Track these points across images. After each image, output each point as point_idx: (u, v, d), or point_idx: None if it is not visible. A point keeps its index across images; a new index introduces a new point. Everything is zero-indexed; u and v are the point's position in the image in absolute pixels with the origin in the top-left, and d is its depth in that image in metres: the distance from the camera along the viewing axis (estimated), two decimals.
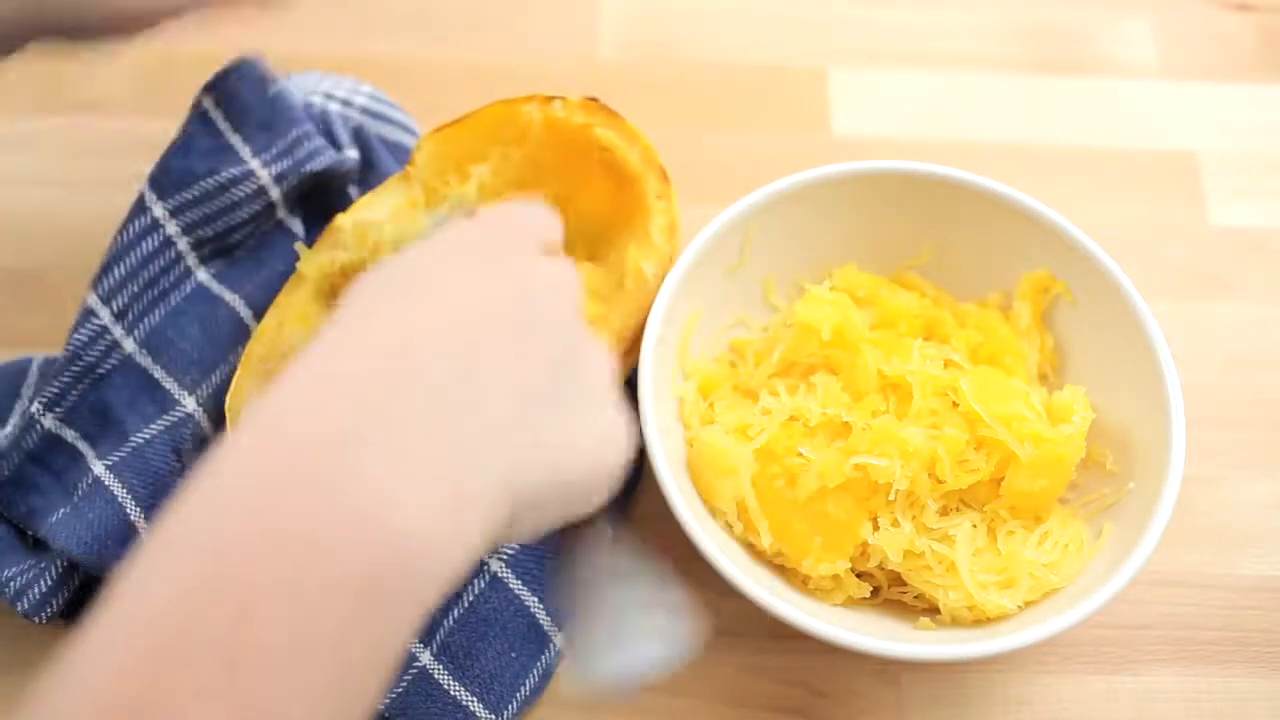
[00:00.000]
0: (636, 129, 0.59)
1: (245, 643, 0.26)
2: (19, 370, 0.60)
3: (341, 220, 0.57)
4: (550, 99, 0.59)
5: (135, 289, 0.56)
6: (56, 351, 0.60)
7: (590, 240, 0.61)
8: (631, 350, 0.56)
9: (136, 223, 0.56)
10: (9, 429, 0.57)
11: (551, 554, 0.57)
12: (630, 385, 0.56)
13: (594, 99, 0.60)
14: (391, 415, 0.30)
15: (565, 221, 0.61)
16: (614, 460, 0.38)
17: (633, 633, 0.36)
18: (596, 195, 0.60)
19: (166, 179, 0.58)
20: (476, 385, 0.33)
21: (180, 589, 0.27)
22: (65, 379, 0.55)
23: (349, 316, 0.34)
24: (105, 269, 0.56)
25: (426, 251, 0.37)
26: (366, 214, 0.57)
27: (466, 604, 0.55)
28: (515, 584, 0.56)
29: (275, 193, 0.59)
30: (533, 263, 0.39)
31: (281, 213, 0.60)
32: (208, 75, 0.69)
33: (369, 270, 0.37)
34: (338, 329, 0.33)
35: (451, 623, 0.55)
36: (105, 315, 0.55)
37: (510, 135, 0.59)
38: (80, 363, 0.55)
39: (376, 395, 0.31)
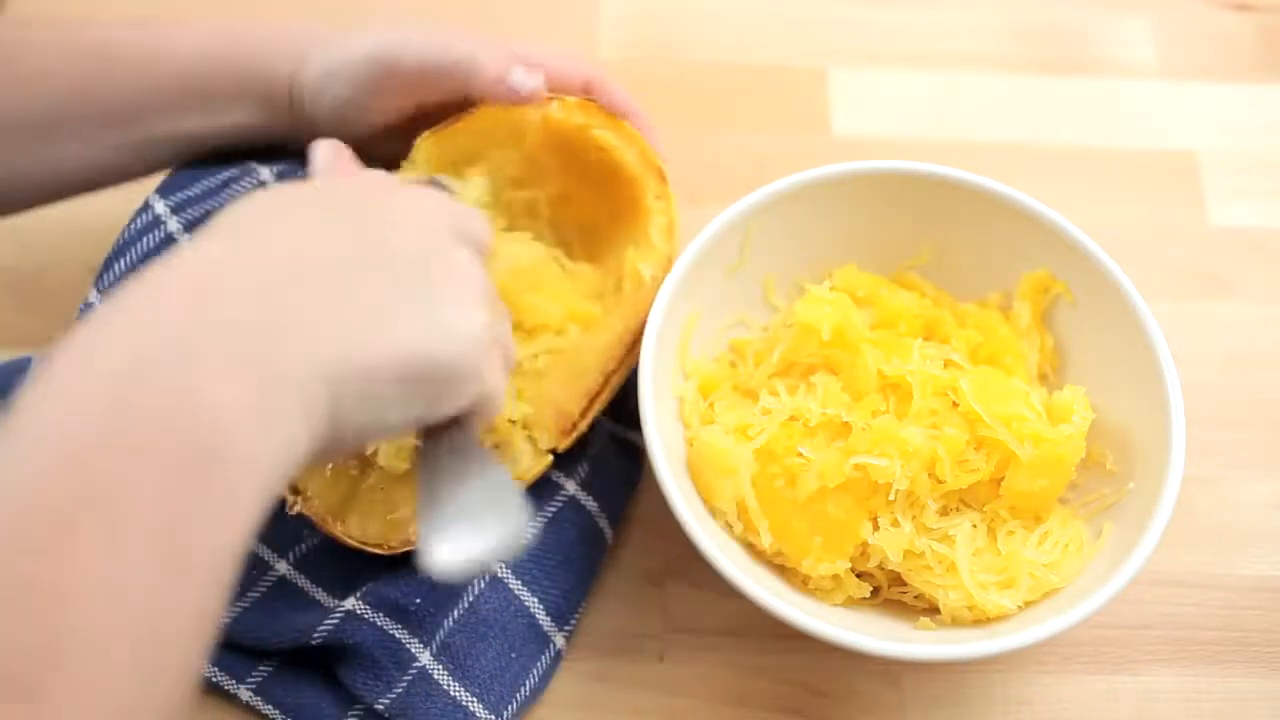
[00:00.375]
0: (635, 130, 0.59)
1: (67, 551, 0.27)
2: (18, 369, 0.60)
3: None
4: (549, 99, 0.59)
5: None
6: None
7: (588, 241, 0.61)
8: (631, 351, 0.56)
9: (139, 219, 0.56)
10: None
11: (550, 555, 0.57)
12: (630, 384, 0.56)
13: (591, 99, 0.60)
14: (198, 323, 0.32)
15: (563, 222, 0.61)
16: (453, 352, 0.38)
17: (476, 512, 0.37)
18: (594, 197, 0.60)
19: (169, 176, 0.58)
20: (293, 291, 0.34)
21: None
22: None
23: (162, 261, 0.34)
24: (107, 265, 0.56)
25: (269, 195, 0.38)
26: None
27: (466, 604, 0.55)
28: (515, 584, 0.56)
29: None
30: (389, 197, 0.40)
31: None
32: None
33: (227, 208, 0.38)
34: (144, 274, 0.34)
35: (451, 623, 0.55)
36: None
37: (507, 136, 0.59)
38: None
39: (186, 305, 0.32)
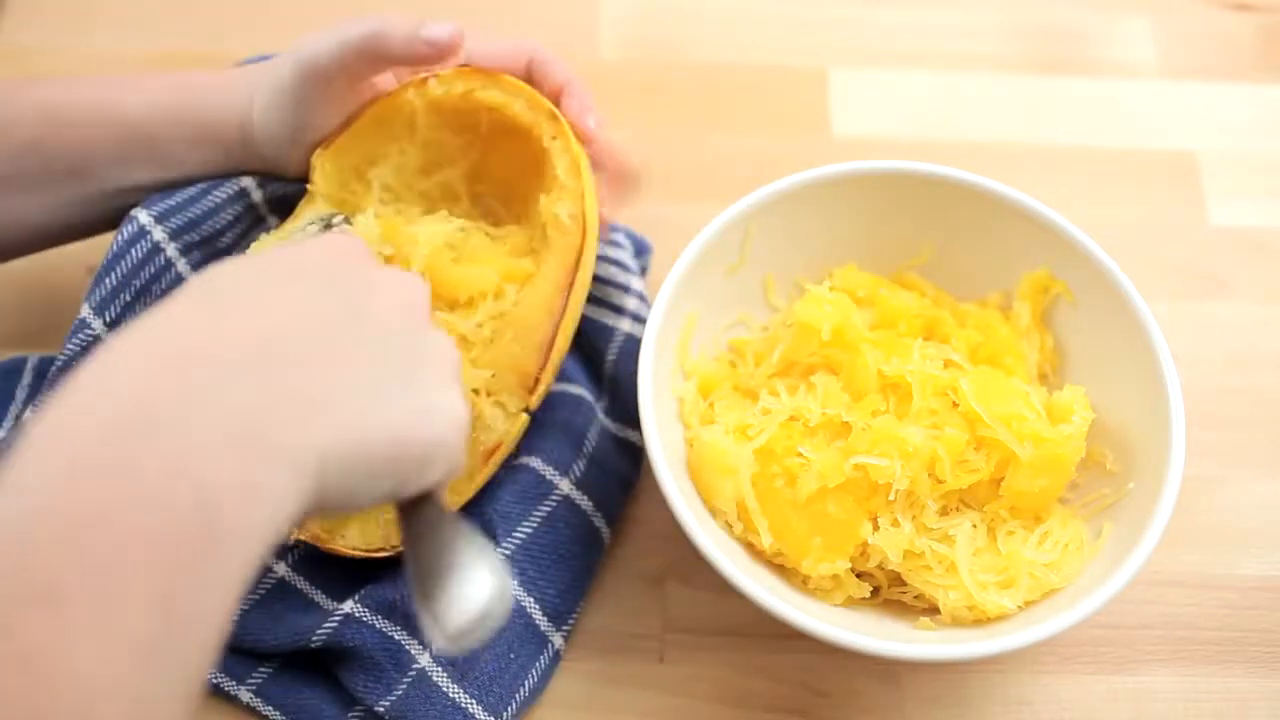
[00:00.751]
0: (518, 81, 0.58)
1: (58, 620, 0.27)
2: (13, 369, 0.60)
3: (255, 247, 0.57)
4: (425, 79, 0.58)
5: (128, 298, 0.56)
6: (55, 350, 0.60)
7: (512, 203, 0.61)
8: (573, 293, 0.55)
9: (125, 231, 0.56)
10: (2, 433, 0.57)
11: (545, 555, 0.57)
12: (630, 384, 0.56)
13: (466, 65, 0.59)
14: (193, 396, 0.32)
15: (485, 195, 0.61)
16: (438, 434, 0.38)
17: (466, 569, 0.37)
18: (501, 158, 0.60)
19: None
20: (287, 364, 0.35)
21: None
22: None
23: (142, 325, 0.34)
24: (97, 280, 0.56)
25: (243, 264, 0.38)
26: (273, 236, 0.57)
27: None
28: (513, 585, 0.56)
29: (258, 195, 0.59)
30: (365, 272, 0.40)
31: (264, 211, 0.60)
32: None
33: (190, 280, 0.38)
34: (125, 336, 0.34)
35: None
36: (98, 325, 0.55)
37: (399, 129, 0.59)
38: (72, 373, 0.55)
39: (179, 375, 0.32)
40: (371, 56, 0.54)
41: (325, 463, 0.34)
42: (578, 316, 0.56)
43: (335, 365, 0.36)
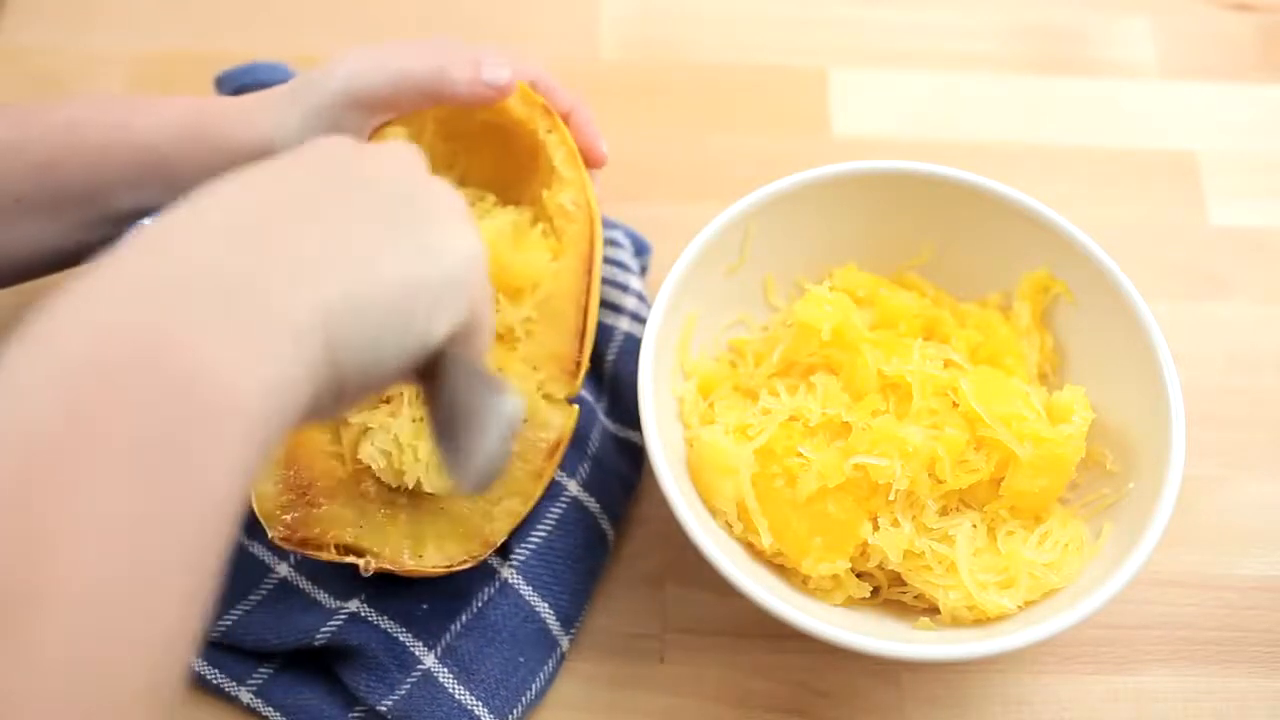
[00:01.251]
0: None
1: (49, 493, 0.27)
2: None
3: None
4: None
5: None
6: None
7: (509, 195, 0.62)
8: (590, 277, 0.56)
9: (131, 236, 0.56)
10: None
11: (558, 559, 0.57)
12: (630, 385, 0.56)
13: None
14: (169, 272, 0.31)
15: (486, 192, 0.61)
16: (449, 271, 0.38)
17: (483, 405, 0.37)
18: (493, 159, 0.61)
19: None
20: (270, 227, 0.34)
21: None
22: None
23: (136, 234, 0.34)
24: None
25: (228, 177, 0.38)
26: None
27: (475, 610, 0.55)
28: (525, 589, 0.56)
29: None
30: (353, 146, 0.40)
31: None
32: (206, 76, 0.69)
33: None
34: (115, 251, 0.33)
35: (459, 627, 0.55)
36: None
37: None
38: None
39: (155, 254, 0.32)
40: (434, 95, 0.56)
41: (331, 321, 0.33)
42: (598, 302, 0.57)
43: (326, 224, 0.35)
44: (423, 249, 0.37)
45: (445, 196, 0.40)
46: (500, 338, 0.56)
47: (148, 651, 0.28)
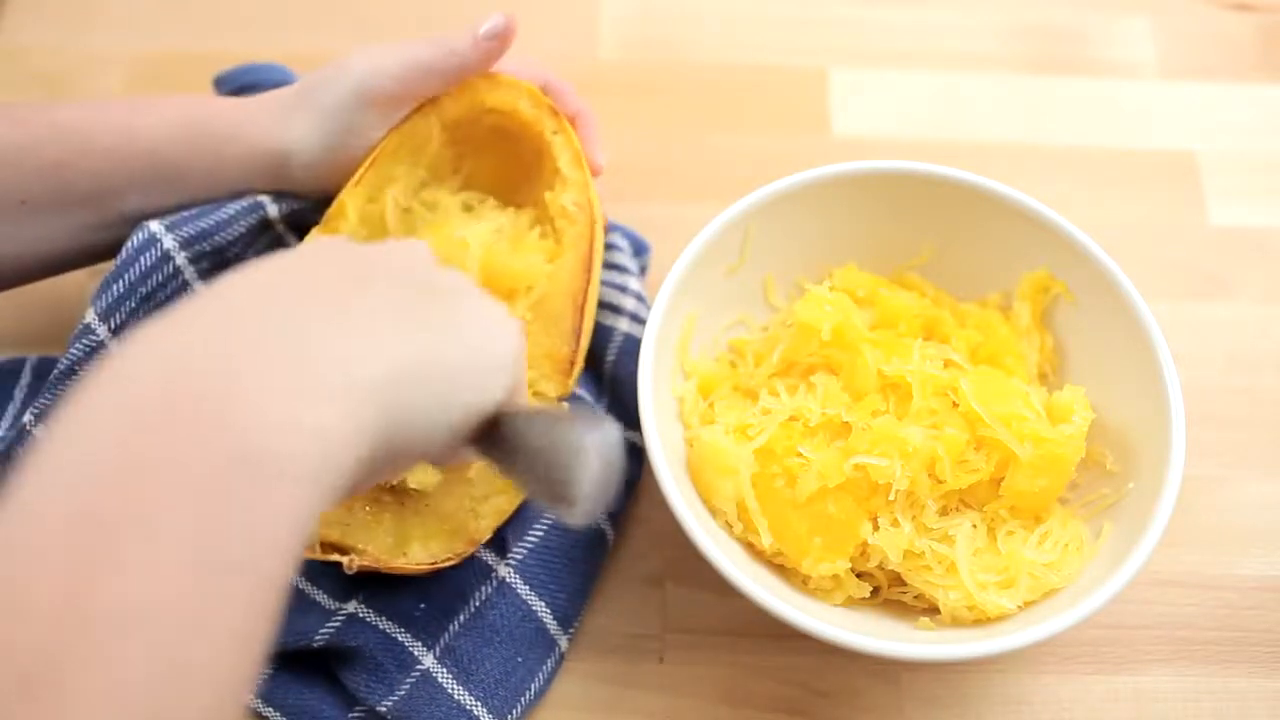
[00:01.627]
0: (514, 79, 0.60)
1: (104, 560, 0.27)
2: (12, 370, 0.60)
3: None
4: (437, 99, 0.59)
5: (133, 304, 0.55)
6: (55, 351, 0.60)
7: (512, 199, 0.62)
8: (588, 276, 0.57)
9: (135, 238, 0.55)
10: (1, 433, 0.57)
11: (556, 558, 0.57)
12: (630, 385, 0.56)
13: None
14: (221, 355, 0.32)
15: (486, 196, 0.62)
16: (492, 343, 0.40)
17: (572, 440, 0.38)
18: (499, 159, 0.61)
19: None
20: (313, 325, 0.35)
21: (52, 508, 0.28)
22: (58, 392, 0.54)
23: (161, 320, 0.34)
24: (104, 286, 0.55)
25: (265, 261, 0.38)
26: None
27: (473, 609, 0.55)
28: (523, 589, 0.56)
29: (273, 210, 0.59)
30: (362, 247, 0.41)
31: (280, 227, 0.60)
32: (206, 76, 0.69)
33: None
34: (144, 333, 0.33)
35: (457, 627, 0.55)
36: (102, 331, 0.55)
37: (410, 155, 0.60)
38: (75, 377, 0.55)
39: (220, 327, 0.33)
40: (443, 73, 0.57)
41: (381, 392, 0.34)
42: (596, 303, 0.57)
43: (366, 310, 0.36)
44: (462, 325, 0.39)
45: (459, 278, 0.43)
46: None
47: (206, 688, 0.28)
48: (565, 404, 0.56)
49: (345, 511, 0.53)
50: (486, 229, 0.58)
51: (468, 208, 0.61)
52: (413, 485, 0.53)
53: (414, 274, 0.40)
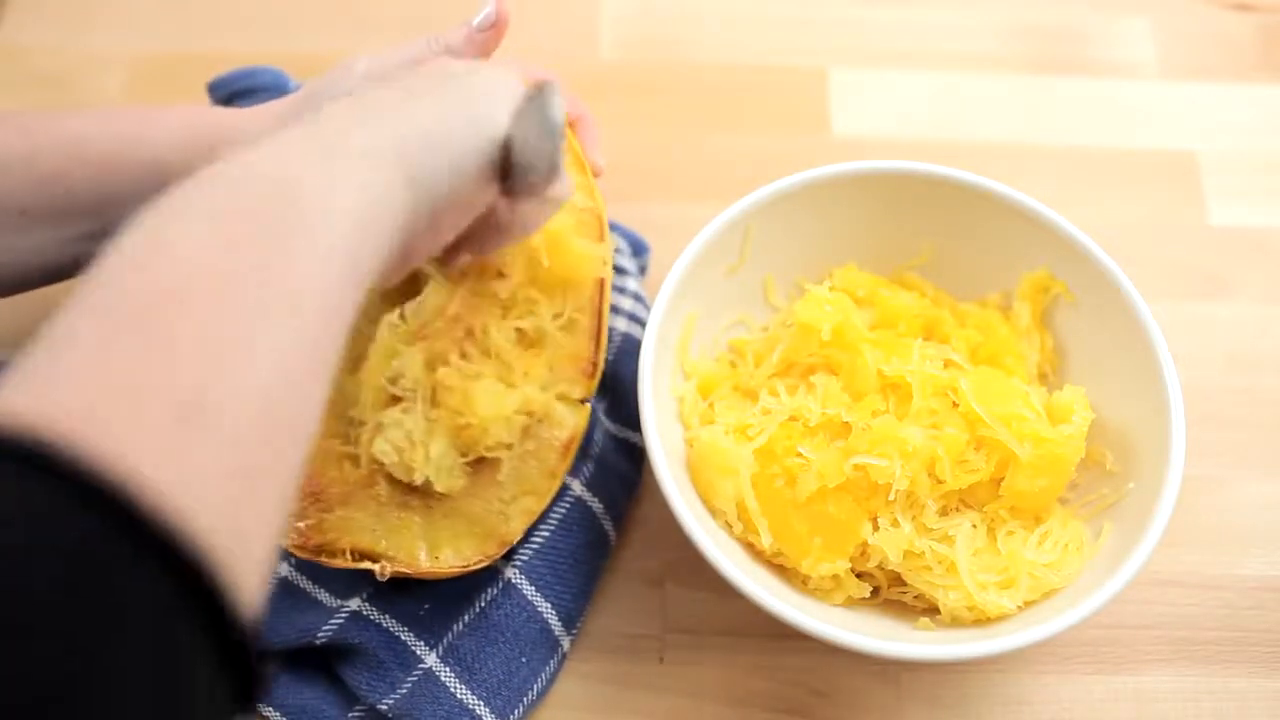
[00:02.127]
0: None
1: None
2: (9, 369, 0.60)
3: None
4: None
5: None
6: None
7: None
8: (604, 279, 0.57)
9: None
10: None
11: (561, 559, 0.57)
12: (630, 386, 0.56)
13: None
14: (285, 140, 0.38)
15: None
16: (496, 88, 0.45)
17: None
18: None
19: None
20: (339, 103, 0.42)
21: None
22: None
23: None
24: None
25: None
26: None
27: (478, 610, 0.55)
28: (529, 590, 0.56)
29: None
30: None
31: None
32: (206, 76, 0.69)
33: None
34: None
35: (461, 627, 0.55)
36: None
37: None
38: None
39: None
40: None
41: (405, 147, 0.40)
42: (609, 304, 0.57)
43: (378, 99, 0.42)
44: (479, 83, 0.45)
45: (483, 67, 0.48)
46: (533, 343, 0.56)
47: (290, 433, 0.33)
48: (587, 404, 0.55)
49: (374, 518, 0.53)
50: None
51: None
52: (440, 489, 0.52)
53: (436, 71, 0.46)
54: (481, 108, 0.44)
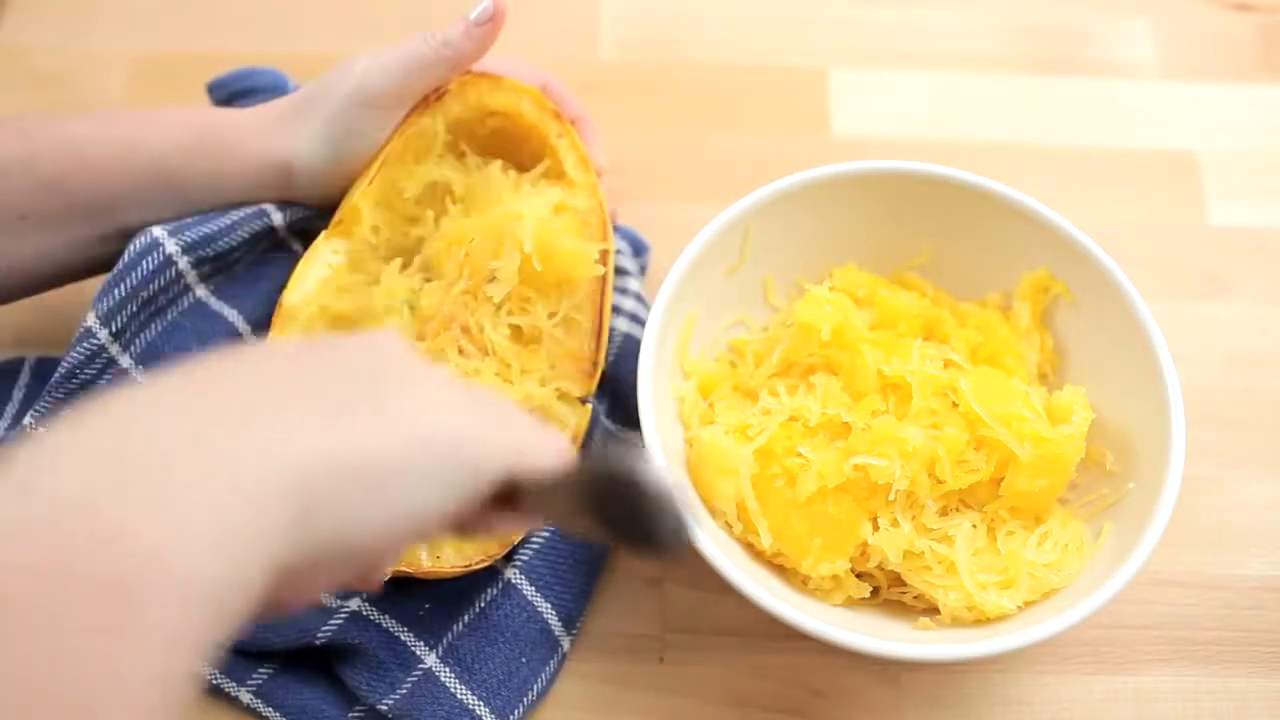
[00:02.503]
0: (518, 82, 0.59)
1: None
2: (11, 370, 0.60)
3: (289, 299, 0.55)
4: (440, 97, 0.58)
5: (134, 308, 0.55)
6: (55, 351, 0.60)
7: None
8: (604, 278, 0.57)
9: (138, 242, 0.55)
10: (0, 432, 0.57)
11: (561, 559, 0.57)
12: (630, 386, 0.56)
13: (468, 71, 0.59)
14: (126, 458, 0.30)
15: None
16: (454, 425, 0.36)
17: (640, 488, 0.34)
18: (507, 160, 0.60)
19: None
20: (226, 417, 0.33)
21: None
22: (59, 395, 0.54)
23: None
24: (106, 289, 0.55)
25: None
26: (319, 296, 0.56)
27: (478, 610, 0.55)
28: (529, 590, 0.56)
29: (278, 218, 0.58)
30: (323, 343, 0.39)
31: (283, 233, 0.60)
32: (205, 76, 0.69)
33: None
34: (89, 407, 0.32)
35: (461, 627, 0.55)
36: (103, 335, 0.55)
37: (420, 154, 0.59)
38: (75, 380, 0.54)
39: (116, 437, 0.31)
40: (436, 64, 0.56)
41: (306, 484, 0.32)
42: (610, 303, 0.57)
43: (272, 407, 0.34)
44: (416, 418, 0.36)
45: (419, 372, 0.39)
46: (531, 341, 0.56)
47: None
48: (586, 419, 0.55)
49: None
50: (543, 204, 0.56)
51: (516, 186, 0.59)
52: None
53: (358, 358, 0.37)
54: (418, 457, 0.35)
